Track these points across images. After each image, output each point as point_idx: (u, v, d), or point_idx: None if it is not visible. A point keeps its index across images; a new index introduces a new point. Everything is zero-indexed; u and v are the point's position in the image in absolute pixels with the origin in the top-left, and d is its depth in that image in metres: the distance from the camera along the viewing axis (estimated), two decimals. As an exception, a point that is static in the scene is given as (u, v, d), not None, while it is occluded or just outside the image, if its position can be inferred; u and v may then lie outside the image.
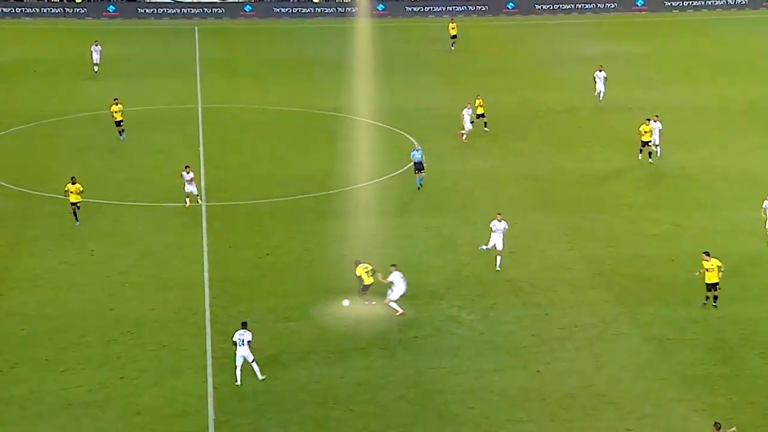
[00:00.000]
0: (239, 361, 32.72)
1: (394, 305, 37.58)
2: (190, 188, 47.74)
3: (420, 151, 51.17)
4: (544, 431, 31.05)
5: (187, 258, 42.70)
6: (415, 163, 50.90)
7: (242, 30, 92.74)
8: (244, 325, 33.22)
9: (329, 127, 62.41)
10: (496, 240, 41.73)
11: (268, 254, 43.26)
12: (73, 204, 45.13)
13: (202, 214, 47.47)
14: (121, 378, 33.22)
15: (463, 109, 58.66)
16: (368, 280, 37.93)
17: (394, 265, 38.02)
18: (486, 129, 59.73)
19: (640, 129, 54.72)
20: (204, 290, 39.65)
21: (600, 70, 66.36)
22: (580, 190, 51.70)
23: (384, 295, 37.78)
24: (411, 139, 59.61)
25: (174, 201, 48.95)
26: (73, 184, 45.13)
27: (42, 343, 35.49)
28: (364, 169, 53.47)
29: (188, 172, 47.78)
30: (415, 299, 39.16)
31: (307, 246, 44.24)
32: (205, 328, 36.62)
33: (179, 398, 32.20)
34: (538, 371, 34.24)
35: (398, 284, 37.63)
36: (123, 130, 57.79)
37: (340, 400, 32.32)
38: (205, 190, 50.41)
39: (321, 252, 43.63)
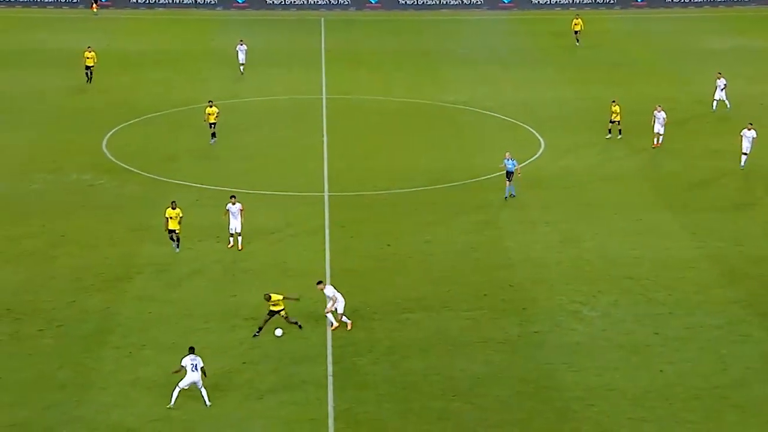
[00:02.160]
0: (183, 384, 30.95)
1: (330, 317, 35.81)
2: (235, 224, 42.34)
3: (513, 161, 48.17)
4: (666, 432, 30.50)
5: (309, 247, 43.15)
6: (507, 172, 48.31)
7: (368, 21, 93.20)
8: (191, 350, 31.39)
9: (453, 120, 62.35)
10: None
11: (388, 245, 43.43)
12: (170, 231, 41.80)
13: (324, 204, 47.89)
14: (243, 363, 33.77)
15: (653, 111, 56.03)
16: (277, 308, 35.28)
17: (320, 282, 36.37)
18: (620, 136, 57.77)
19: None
20: (325, 279, 39.97)
21: (719, 78, 62.47)
22: (706, 187, 50.54)
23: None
24: (534, 133, 59.16)
25: (297, 190, 49.54)
26: (173, 209, 41.84)
27: (167, 327, 36.30)
28: (487, 162, 53.23)
29: (234, 203, 42.58)
30: (535, 295, 38.88)
31: (428, 238, 44.27)
32: (325, 317, 36.93)
33: (299, 385, 32.58)
34: (661, 371, 33.61)
35: (338, 296, 35.65)
36: (215, 133, 56.13)
37: (459, 392, 32.27)
38: (328, 180, 50.90)
39: (442, 244, 43.61)
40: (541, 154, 55.81)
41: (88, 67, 68.14)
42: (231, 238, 42.61)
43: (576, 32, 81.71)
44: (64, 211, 46.76)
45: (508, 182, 48.38)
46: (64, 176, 51.41)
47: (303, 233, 44.64)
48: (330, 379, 32.97)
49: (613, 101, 58.01)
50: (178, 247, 42.00)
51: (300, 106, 65.23)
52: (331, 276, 40.16)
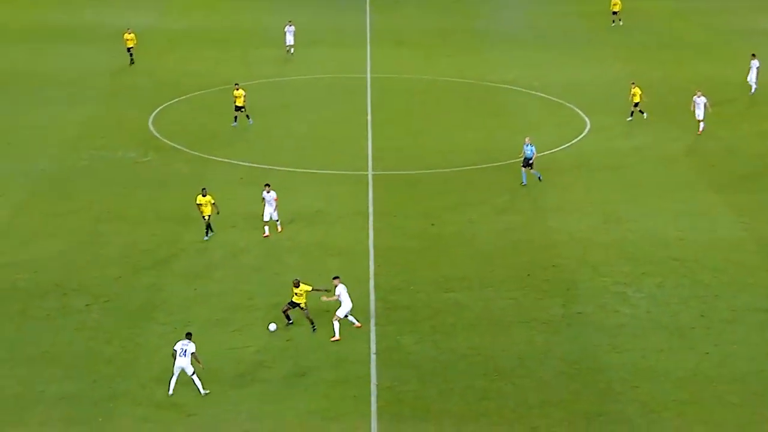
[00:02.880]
0: (176, 371, 30.74)
1: (352, 318, 34.60)
2: (270, 212, 41.65)
3: (532, 147, 47.38)
4: (711, 414, 30.33)
5: (353, 226, 43.26)
6: (525, 158, 47.35)
7: (412, 0, 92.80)
8: (188, 336, 31.37)
9: (498, 99, 62.10)
10: None
11: (432, 224, 43.44)
12: (204, 217, 41.31)
13: (368, 183, 47.96)
14: (288, 340, 34.00)
15: (693, 97, 54.93)
16: (300, 300, 34.54)
17: (336, 277, 34.85)
18: (644, 116, 56.90)
19: None
20: (369, 258, 40.13)
21: (753, 58, 61.65)
22: (754, 169, 49.98)
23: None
24: (580, 113, 58.78)
25: (342, 169, 49.66)
26: (204, 196, 41.35)
27: (211, 304, 36.58)
28: (532, 142, 52.97)
29: (269, 191, 41.86)
30: (578, 275, 38.75)
31: (471, 218, 44.22)
32: (368, 295, 37.08)
33: (342, 363, 32.75)
34: (707, 353, 33.41)
35: (344, 298, 34.26)
36: (248, 115, 55.71)
37: (501, 372, 32.29)
38: (372, 159, 50.96)
39: (485, 224, 43.57)
40: (587, 134, 55.48)
41: (129, 49, 67.99)
42: (266, 227, 41.81)
43: (615, 12, 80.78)
44: (112, 188, 47.21)
45: (524, 168, 47.30)
46: (112, 153, 51.87)
47: (347, 212, 44.74)
48: (373, 357, 33.12)
49: (633, 83, 57.62)
50: (207, 234, 41.33)
51: (345, 84, 65.26)
52: (375, 255, 40.27)
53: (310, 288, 34.68)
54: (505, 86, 64.36)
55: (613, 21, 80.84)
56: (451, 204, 45.73)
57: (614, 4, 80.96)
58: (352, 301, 34.48)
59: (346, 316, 34.43)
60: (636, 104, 56.80)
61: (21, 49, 72.29)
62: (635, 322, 35.50)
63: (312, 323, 34.67)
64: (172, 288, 37.74)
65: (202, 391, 30.84)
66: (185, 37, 77.58)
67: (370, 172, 49.26)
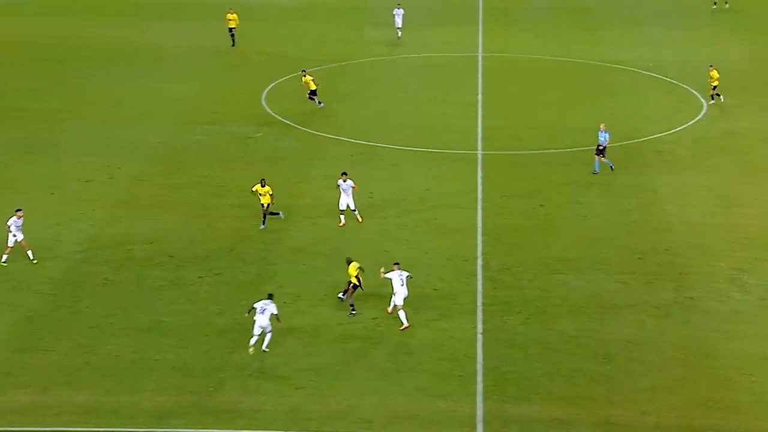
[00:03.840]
0: (257, 330, 31.67)
1: (402, 315, 33.41)
2: (347, 200, 41.00)
3: (606, 134, 45.92)
4: (826, 406, 29.55)
5: (462, 205, 43.16)
6: (598, 145, 45.86)
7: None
8: (270, 297, 32.30)
9: (610, 80, 61.22)
10: None
11: (541, 205, 43.10)
12: (263, 206, 40.72)
13: (477, 162, 47.77)
14: (394, 318, 34.13)
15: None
16: (354, 279, 34.31)
17: (397, 263, 34.08)
18: (721, 99, 55.28)
19: None
20: (477, 238, 40.01)
21: None
22: None
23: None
24: (697, 94, 57.55)
25: (451, 148, 49.57)
26: (263, 186, 40.78)
27: (320, 278, 36.88)
28: (643, 123, 52.20)
29: (345, 180, 41.08)
30: (692, 260, 38.05)
31: (581, 199, 43.75)
32: (476, 274, 37.00)
33: (448, 342, 32.78)
34: (823, 342, 32.57)
35: (396, 285, 33.39)
36: (320, 101, 54.75)
37: (610, 355, 31.92)
38: (482, 138, 50.73)
39: (594, 206, 43.06)
40: (703, 116, 54.33)
41: (231, 30, 67.49)
42: (342, 216, 41.04)
43: None
44: (224, 162, 47.98)
45: (597, 156, 45.94)
46: (225, 128, 52.69)
47: (455, 191, 44.65)
48: (479, 336, 33.07)
49: (711, 66, 56.08)
50: (264, 223, 40.69)
51: (455, 63, 65.02)
52: (483, 234, 40.14)
53: (358, 265, 34.33)
54: (618, 66, 63.35)
55: (715, 2, 78.62)
56: (561, 185, 45.27)
57: None
58: (409, 290, 33.67)
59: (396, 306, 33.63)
60: (714, 87, 55.38)
61: (133, 25, 73.83)
62: (749, 308, 34.74)
63: (351, 307, 34.28)
64: (281, 262, 38.19)
65: (264, 346, 31.78)
66: (297, 12, 78.18)
67: (479, 152, 49.06)
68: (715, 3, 78.91)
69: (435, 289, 35.98)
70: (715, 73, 55.49)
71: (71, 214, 41.89)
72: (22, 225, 37.72)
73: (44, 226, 40.38)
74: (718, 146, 49.79)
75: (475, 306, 34.94)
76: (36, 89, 59.22)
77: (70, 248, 39.00)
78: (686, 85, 59.04)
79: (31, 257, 37.78)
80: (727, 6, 78.57)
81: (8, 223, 37.68)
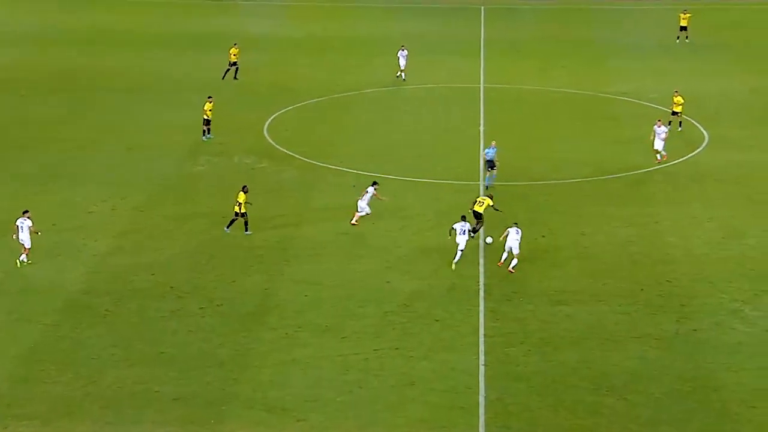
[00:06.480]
0: (461, 246, 39.06)
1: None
2: (362, 203, 43.97)
3: (494, 149, 48.06)
4: (831, 439, 29.41)
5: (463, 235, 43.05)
6: (487, 161, 48.06)
7: (528, 10, 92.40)
8: (463, 218, 39.58)
9: (614, 111, 61.37)
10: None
11: (543, 236, 43.09)
12: (236, 214, 42.84)
13: (479, 194, 47.76)
14: (396, 349, 34.06)
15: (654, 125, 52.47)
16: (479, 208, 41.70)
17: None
18: (680, 129, 55.68)
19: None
20: (478, 269, 39.99)
21: None
22: None
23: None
24: (698, 125, 57.64)
25: (453, 179, 49.61)
26: (245, 193, 42.96)
27: (323, 310, 36.86)
28: (647, 154, 52.19)
29: (374, 186, 44.51)
30: (694, 291, 37.97)
31: (584, 230, 43.73)
32: (478, 305, 36.95)
33: (451, 373, 32.68)
34: (827, 375, 32.42)
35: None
36: (208, 130, 55.26)
37: (612, 387, 31.81)
38: (484, 169, 50.74)
39: (597, 237, 43.03)
40: (705, 147, 54.41)
41: (234, 63, 66.61)
42: (357, 215, 43.87)
43: (683, 28, 77.49)
44: (228, 193, 47.89)
45: (488, 170, 48.07)
46: (228, 159, 52.78)
47: (457, 221, 44.54)
48: (482, 368, 32.97)
49: (676, 91, 56.41)
50: (228, 228, 43.01)
51: (458, 94, 65.20)
52: (484, 265, 40.11)
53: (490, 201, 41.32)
54: (622, 98, 63.50)
55: (677, 37, 78.27)
56: (563, 216, 45.29)
57: (683, 19, 77.97)
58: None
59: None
60: (675, 113, 55.50)
61: (149, 56, 74.07)
62: (753, 340, 34.63)
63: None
64: (283, 293, 38.16)
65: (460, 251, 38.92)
66: (300, 44, 78.51)
67: (481, 183, 49.07)
68: (678, 37, 78.53)
69: (437, 320, 35.92)
70: (679, 99, 55.57)
71: (73, 245, 41.90)
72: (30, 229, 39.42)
73: (46, 257, 40.41)
74: (720, 177, 49.82)
75: (477, 337, 34.87)
76: (56, 118, 59.41)
77: (72, 279, 39.01)
78: (688, 116, 59.10)
79: (24, 260, 39.47)
80: (687, 41, 77.90)
81: (17, 224, 39.49)
